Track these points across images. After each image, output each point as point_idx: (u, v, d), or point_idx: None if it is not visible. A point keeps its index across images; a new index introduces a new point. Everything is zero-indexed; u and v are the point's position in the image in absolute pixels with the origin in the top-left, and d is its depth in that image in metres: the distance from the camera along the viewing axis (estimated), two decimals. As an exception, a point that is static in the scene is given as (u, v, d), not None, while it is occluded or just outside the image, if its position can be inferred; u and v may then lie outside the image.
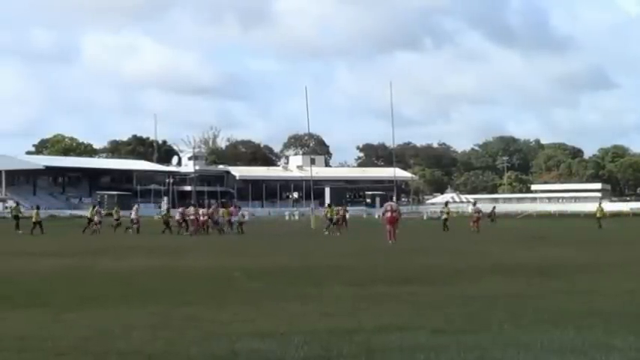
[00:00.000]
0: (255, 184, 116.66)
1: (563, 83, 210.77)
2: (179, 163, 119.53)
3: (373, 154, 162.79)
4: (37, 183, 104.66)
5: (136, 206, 45.96)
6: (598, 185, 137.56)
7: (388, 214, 29.37)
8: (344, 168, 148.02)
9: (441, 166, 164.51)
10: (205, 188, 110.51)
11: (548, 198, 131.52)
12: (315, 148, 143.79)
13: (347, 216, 45.60)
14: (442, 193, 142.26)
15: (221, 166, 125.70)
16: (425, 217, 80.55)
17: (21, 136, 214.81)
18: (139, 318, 9.54)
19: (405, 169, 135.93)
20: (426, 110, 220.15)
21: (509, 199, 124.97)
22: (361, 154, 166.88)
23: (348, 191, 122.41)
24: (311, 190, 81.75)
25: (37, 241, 33.01)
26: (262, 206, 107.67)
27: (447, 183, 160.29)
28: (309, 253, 23.60)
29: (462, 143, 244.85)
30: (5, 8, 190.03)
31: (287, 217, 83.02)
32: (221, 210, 44.15)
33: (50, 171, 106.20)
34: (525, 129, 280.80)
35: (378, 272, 16.08)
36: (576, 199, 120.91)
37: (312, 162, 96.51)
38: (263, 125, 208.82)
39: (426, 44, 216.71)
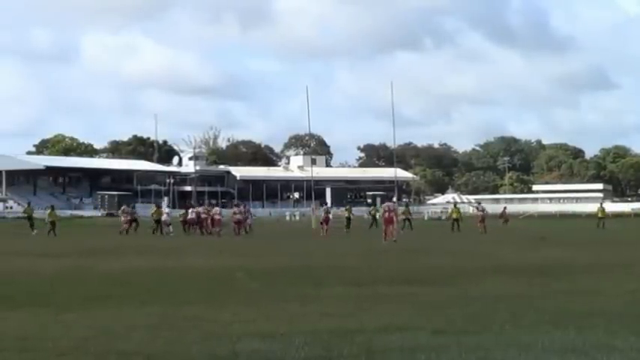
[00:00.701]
0: (256, 184, 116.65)
1: (564, 83, 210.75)
2: (180, 164, 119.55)
3: (374, 155, 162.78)
4: (37, 183, 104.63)
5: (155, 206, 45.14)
6: (599, 186, 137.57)
7: (386, 215, 29.88)
8: (345, 168, 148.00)
9: (442, 167, 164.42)
10: (206, 188, 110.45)
11: (550, 198, 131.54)
12: (316, 148, 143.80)
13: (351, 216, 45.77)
14: (443, 194, 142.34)
15: (222, 167, 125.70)
16: (426, 218, 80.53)
17: (21, 136, 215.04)
18: (140, 318, 9.53)
19: (406, 169, 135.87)
20: (427, 110, 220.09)
21: (511, 200, 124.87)
22: (362, 155, 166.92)
23: (349, 191, 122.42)
24: (312, 190, 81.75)
25: (38, 241, 33.00)
26: (263, 206, 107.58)
27: (448, 183, 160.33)
28: (309, 253, 23.60)
29: (463, 143, 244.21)
30: (5, 8, 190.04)
31: (288, 218, 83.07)
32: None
33: (51, 171, 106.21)
34: (526, 129, 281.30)
35: (379, 272, 16.07)
36: (578, 200, 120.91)
37: (313, 162, 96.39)
38: (263, 125, 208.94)
39: (426, 44, 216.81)
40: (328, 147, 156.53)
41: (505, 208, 57.47)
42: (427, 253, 23.27)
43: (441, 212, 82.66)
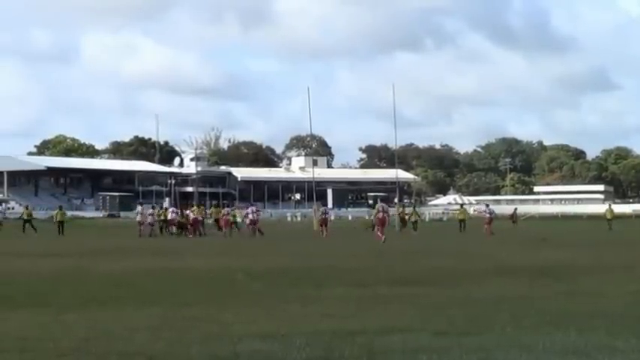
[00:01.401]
0: (257, 185, 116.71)
1: (565, 84, 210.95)
2: (181, 165, 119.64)
3: (375, 156, 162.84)
4: (38, 184, 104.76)
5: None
6: (601, 187, 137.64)
7: (380, 215, 30.12)
8: (346, 169, 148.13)
9: (443, 168, 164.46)
10: (207, 189, 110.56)
11: (551, 200, 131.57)
12: (317, 149, 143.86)
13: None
14: (444, 195, 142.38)
15: (223, 167, 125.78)
16: (427, 219, 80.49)
17: (21, 136, 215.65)
18: (141, 319, 9.52)
19: (407, 170, 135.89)
20: (428, 111, 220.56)
21: (512, 201, 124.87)
22: (363, 156, 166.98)
23: (351, 192, 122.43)
24: (313, 191, 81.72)
25: (39, 241, 33.02)
26: (264, 207, 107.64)
27: (449, 184, 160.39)
28: (310, 254, 23.58)
29: (464, 145, 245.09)
30: (5, 8, 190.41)
31: (289, 219, 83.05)
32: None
33: (52, 172, 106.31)
34: (527, 130, 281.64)
35: (380, 273, 16.04)
36: (579, 201, 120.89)
37: (315, 163, 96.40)
38: (264, 126, 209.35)
39: (427, 45, 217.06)
40: (329, 148, 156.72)
41: (516, 209, 57.64)
42: (428, 254, 23.25)
43: (443, 213, 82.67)
